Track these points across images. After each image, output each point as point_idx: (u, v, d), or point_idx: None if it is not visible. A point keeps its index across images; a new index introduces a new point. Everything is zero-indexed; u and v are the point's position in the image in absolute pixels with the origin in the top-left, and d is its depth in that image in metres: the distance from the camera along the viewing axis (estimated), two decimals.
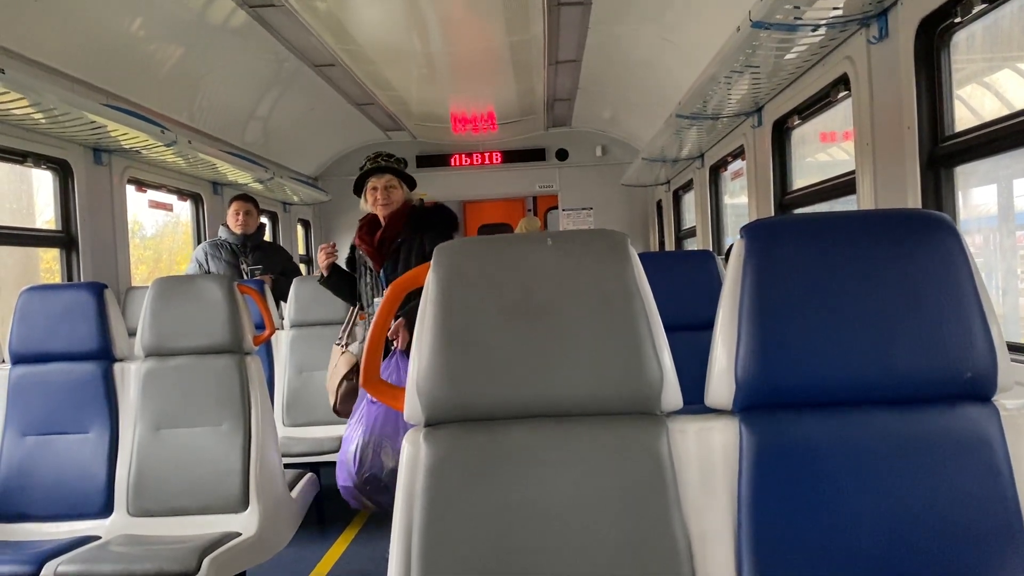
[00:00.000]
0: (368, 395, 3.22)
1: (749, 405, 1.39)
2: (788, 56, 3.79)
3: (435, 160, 9.29)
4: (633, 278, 1.41)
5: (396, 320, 3.30)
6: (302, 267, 8.03)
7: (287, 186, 7.55)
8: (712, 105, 4.88)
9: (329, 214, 9.35)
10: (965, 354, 1.33)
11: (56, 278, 4.81)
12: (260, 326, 4.25)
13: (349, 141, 9.01)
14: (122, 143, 4.73)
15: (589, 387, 1.39)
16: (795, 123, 4.60)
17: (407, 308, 3.21)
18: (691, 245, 7.59)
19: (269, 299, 4.81)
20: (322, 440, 4.44)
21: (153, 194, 5.83)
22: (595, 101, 7.91)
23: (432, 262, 1.46)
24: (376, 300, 3.57)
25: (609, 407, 1.40)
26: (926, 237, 1.37)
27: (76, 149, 4.65)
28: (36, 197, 5.24)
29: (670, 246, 8.39)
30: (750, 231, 1.42)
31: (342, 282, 3.77)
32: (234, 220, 5.39)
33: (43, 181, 4.83)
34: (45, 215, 4.98)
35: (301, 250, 9.15)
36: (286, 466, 3.39)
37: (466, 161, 9.33)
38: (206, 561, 2.59)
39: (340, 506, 3.83)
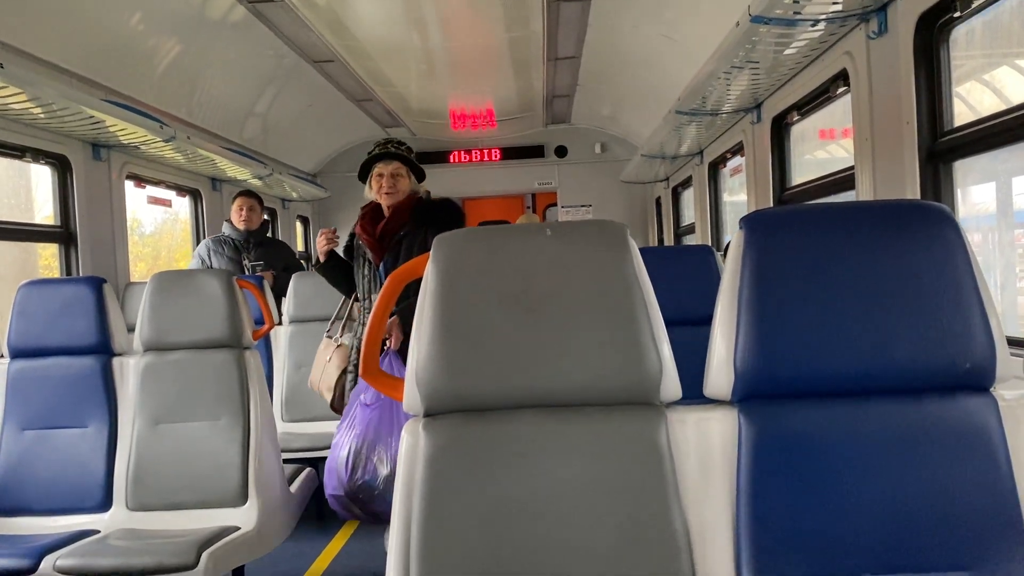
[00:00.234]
0: (361, 399, 3.08)
1: (748, 395, 1.39)
2: (787, 51, 3.78)
3: (434, 157, 9.28)
4: (632, 268, 1.41)
5: (390, 318, 3.21)
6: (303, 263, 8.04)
7: (286, 182, 7.54)
8: (711, 101, 4.88)
9: (328, 210, 9.34)
10: (964, 344, 1.34)
11: (55, 274, 4.81)
12: (259, 321, 4.25)
13: (348, 137, 9.00)
14: (121, 139, 4.73)
15: (588, 377, 1.39)
16: (794, 119, 4.60)
17: (401, 307, 3.04)
18: (690, 242, 7.59)
19: (268, 294, 4.81)
20: (321, 435, 4.43)
21: (152, 190, 5.83)
22: (594, 98, 7.91)
23: (431, 253, 1.46)
24: (374, 296, 3.41)
25: (608, 397, 1.40)
26: (925, 228, 1.37)
27: (75, 144, 4.65)
28: (35, 192, 5.24)
29: (669, 243, 8.39)
30: (749, 222, 1.42)
31: (339, 270, 3.60)
32: (237, 216, 5.42)
33: (42, 176, 4.82)
34: (44, 211, 4.98)
35: (300, 247, 9.15)
36: (285, 461, 3.39)
37: (465, 158, 9.33)
38: (205, 555, 2.59)
39: None
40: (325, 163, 9.31)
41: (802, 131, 4.77)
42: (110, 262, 5.01)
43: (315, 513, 4.46)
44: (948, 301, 1.34)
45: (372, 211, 3.51)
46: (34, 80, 3.68)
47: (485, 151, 9.31)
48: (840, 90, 3.83)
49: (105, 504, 3.01)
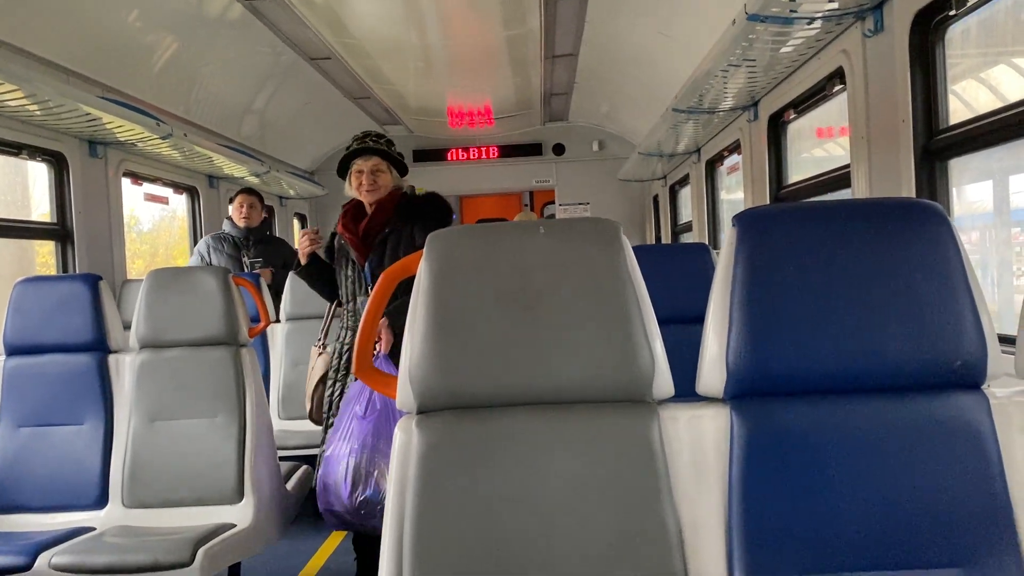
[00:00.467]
0: (356, 410, 2.92)
1: (740, 393, 1.39)
2: (784, 49, 3.79)
3: (432, 154, 9.28)
4: (625, 266, 1.41)
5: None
6: None
7: (283, 180, 7.54)
8: (708, 99, 4.88)
9: (325, 208, 9.34)
10: (955, 342, 1.34)
11: (52, 272, 4.81)
12: (256, 319, 4.24)
13: (346, 135, 8.91)
14: (118, 136, 4.72)
15: (581, 374, 1.39)
16: (791, 117, 4.60)
17: (391, 307, 2.88)
18: (687, 240, 7.59)
19: (265, 291, 4.81)
20: (317, 433, 4.40)
21: (149, 187, 5.82)
22: (592, 96, 7.90)
23: (425, 250, 1.46)
24: (360, 299, 3.26)
25: (601, 395, 1.40)
26: (917, 226, 1.38)
27: (71, 141, 4.64)
28: (32, 190, 5.23)
29: (666, 241, 8.40)
30: (743, 219, 1.43)
31: (322, 273, 3.41)
32: (238, 213, 5.45)
33: (39, 173, 4.82)
34: (41, 208, 4.97)
35: (297, 244, 9.14)
36: (281, 459, 3.39)
37: (463, 156, 9.33)
38: (200, 552, 2.59)
39: None
40: (323, 160, 9.31)
41: (799, 129, 4.77)
42: (107, 259, 5.01)
43: (311, 510, 4.45)
44: (940, 299, 1.35)
45: (354, 209, 3.36)
46: (31, 77, 3.68)
47: (483, 149, 9.31)
48: (836, 88, 3.84)
49: (101, 501, 3.01)
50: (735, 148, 5.72)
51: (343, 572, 3.86)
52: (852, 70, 3.52)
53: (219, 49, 5.52)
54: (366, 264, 3.23)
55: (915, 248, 1.36)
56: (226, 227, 5.50)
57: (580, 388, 1.40)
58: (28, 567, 2.59)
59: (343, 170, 3.33)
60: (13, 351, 3.10)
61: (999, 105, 2.70)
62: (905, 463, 1.34)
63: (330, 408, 3.24)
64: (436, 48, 6.15)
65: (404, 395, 1.44)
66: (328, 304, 3.53)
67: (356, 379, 3.00)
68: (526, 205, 12.40)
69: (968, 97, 3.12)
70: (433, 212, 3.30)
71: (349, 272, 3.29)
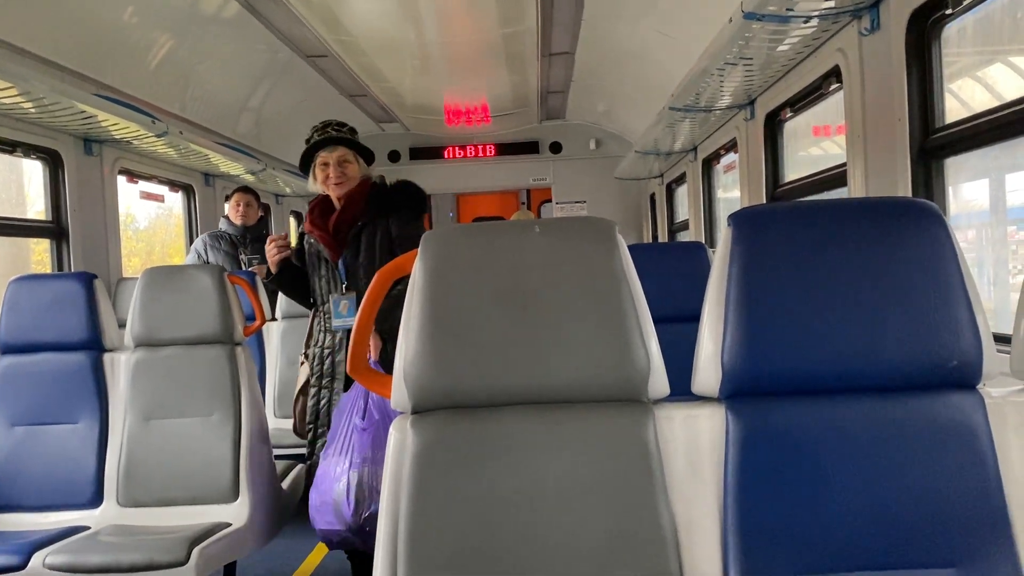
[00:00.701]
0: (356, 422, 2.74)
1: (735, 392, 1.39)
2: (780, 48, 3.79)
3: (429, 152, 9.28)
4: (620, 265, 1.41)
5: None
6: None
7: (279, 177, 7.53)
8: (705, 98, 4.88)
9: None
10: (951, 342, 1.34)
11: (47, 270, 4.79)
12: (251, 317, 4.23)
13: None
14: (113, 133, 4.71)
15: (576, 374, 1.39)
16: (787, 115, 4.60)
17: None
18: (684, 238, 7.59)
19: (260, 290, 4.80)
20: None
21: (144, 185, 5.82)
22: (589, 94, 7.90)
23: (420, 249, 1.46)
24: (333, 296, 3.07)
25: (596, 394, 1.40)
26: (913, 225, 1.37)
27: (66, 139, 4.63)
28: (28, 188, 5.22)
29: (663, 239, 8.39)
30: (738, 218, 1.42)
31: (296, 280, 3.20)
32: (235, 212, 5.47)
33: (34, 171, 4.81)
34: (37, 206, 4.96)
35: (293, 242, 9.11)
36: (277, 457, 3.38)
37: (460, 154, 9.32)
38: (195, 551, 2.58)
39: None
40: None
41: (795, 128, 4.77)
42: (102, 257, 5.00)
43: (306, 509, 4.45)
44: (936, 298, 1.35)
45: (321, 204, 3.17)
46: (25, 74, 3.67)
47: (480, 147, 9.30)
48: (833, 87, 3.84)
49: (96, 500, 3.01)
50: (731, 147, 5.72)
51: (338, 571, 3.85)
52: (848, 69, 3.52)
53: (215, 46, 5.51)
54: (340, 261, 3.08)
55: (911, 247, 1.36)
56: (223, 226, 5.52)
57: (575, 387, 1.39)
58: (22, 567, 2.58)
59: (305, 165, 3.15)
60: (8, 349, 3.09)
61: (995, 104, 2.70)
62: (900, 463, 1.33)
63: (317, 418, 3.08)
64: (433, 46, 6.15)
65: (399, 395, 1.43)
66: (311, 311, 3.33)
67: (346, 387, 2.91)
68: (523, 203, 12.39)
69: (964, 96, 3.12)
70: (408, 202, 3.13)
71: (323, 272, 3.13)
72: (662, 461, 1.38)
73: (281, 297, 4.97)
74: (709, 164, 6.64)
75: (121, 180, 5.35)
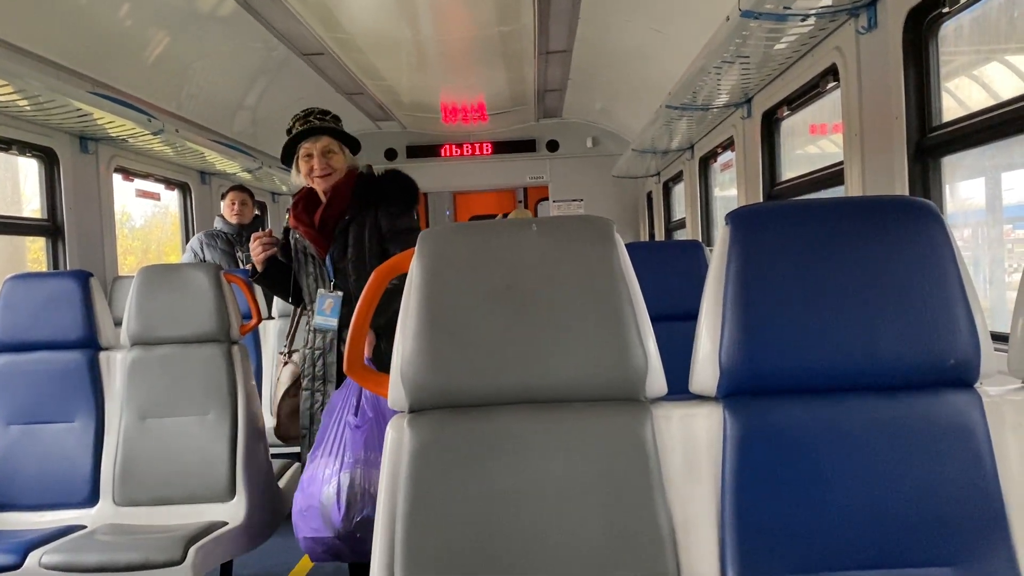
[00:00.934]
0: (350, 419, 2.61)
1: (733, 391, 1.39)
2: (777, 46, 3.78)
3: (425, 151, 9.26)
4: (618, 264, 1.41)
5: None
6: None
7: (276, 176, 7.52)
8: (702, 96, 4.88)
9: None
10: (949, 340, 1.34)
11: (44, 268, 4.78)
12: (247, 315, 4.22)
13: None
14: (109, 131, 4.70)
15: (573, 373, 1.38)
16: (784, 114, 4.60)
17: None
18: (681, 237, 7.59)
19: (256, 288, 4.79)
20: None
21: (140, 183, 5.80)
22: (586, 92, 7.89)
23: (417, 247, 1.45)
24: (321, 292, 2.93)
25: (593, 393, 1.40)
26: (911, 224, 1.37)
27: (62, 137, 4.62)
28: (23, 186, 5.20)
29: (660, 237, 8.39)
30: (735, 217, 1.42)
31: (281, 277, 3.07)
32: (229, 210, 5.46)
33: (30, 169, 4.79)
34: (32, 204, 4.95)
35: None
36: (273, 456, 3.38)
37: (456, 152, 9.31)
38: (192, 550, 2.58)
39: None
40: None
41: (792, 126, 4.77)
42: (98, 256, 4.98)
43: None
44: (933, 297, 1.35)
45: (305, 198, 3.01)
46: (20, 72, 3.66)
47: (476, 145, 9.29)
48: (830, 85, 3.84)
49: (92, 499, 3.00)
50: (728, 145, 5.72)
51: (334, 571, 3.85)
52: (846, 67, 3.52)
53: (211, 44, 5.49)
54: (327, 256, 2.94)
55: (908, 246, 1.36)
56: (218, 224, 5.50)
57: (572, 386, 1.39)
58: (18, 566, 2.58)
59: (288, 156, 2.99)
60: (3, 348, 3.08)
61: (992, 102, 2.70)
62: (898, 462, 1.33)
63: (311, 422, 2.98)
64: (429, 44, 6.14)
65: (396, 394, 1.43)
66: (294, 308, 3.22)
67: (337, 387, 2.83)
68: (520, 202, 12.38)
69: (961, 95, 3.12)
70: (398, 193, 2.97)
71: (311, 269, 2.99)
72: (659, 460, 1.38)
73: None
74: (706, 162, 6.63)
75: (117, 178, 5.34)
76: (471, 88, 7.70)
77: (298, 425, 3.04)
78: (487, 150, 9.31)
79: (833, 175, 3.85)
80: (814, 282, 1.37)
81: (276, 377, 3.12)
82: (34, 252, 5.22)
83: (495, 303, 1.40)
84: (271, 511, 3.16)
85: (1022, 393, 1.39)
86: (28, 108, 4.02)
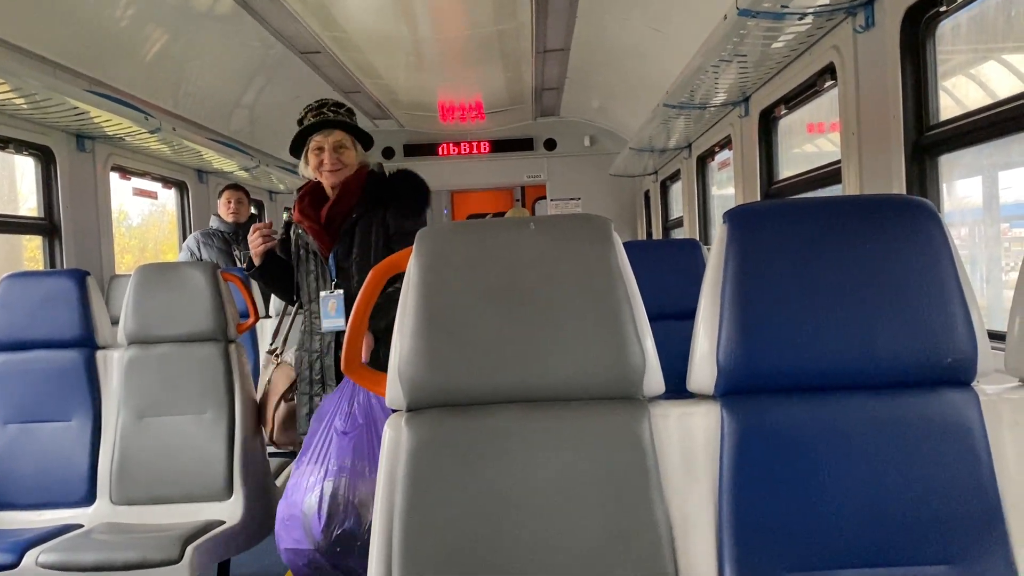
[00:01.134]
0: (335, 425, 2.52)
1: (731, 390, 1.39)
2: (775, 45, 3.78)
3: (423, 149, 9.27)
4: (616, 263, 1.41)
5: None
6: None
7: (273, 174, 7.51)
8: (699, 95, 4.88)
9: None
10: (946, 339, 1.34)
11: (40, 267, 4.77)
12: (245, 314, 4.22)
13: None
14: (105, 130, 4.69)
15: (571, 372, 1.38)
16: (782, 113, 4.61)
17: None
18: (679, 235, 7.59)
19: (253, 287, 4.79)
20: None
21: (137, 182, 5.80)
22: (583, 91, 7.89)
23: (414, 247, 1.45)
24: (324, 293, 2.83)
25: (591, 392, 1.39)
26: (908, 222, 1.38)
27: (59, 135, 4.61)
28: (20, 184, 5.19)
29: (657, 236, 8.40)
30: (733, 216, 1.42)
31: (279, 272, 2.96)
32: (225, 209, 5.45)
33: (27, 168, 4.78)
34: (29, 202, 4.94)
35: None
36: (270, 455, 3.37)
37: (454, 150, 9.31)
38: (189, 549, 2.57)
39: None
40: None
41: (789, 125, 4.78)
42: (95, 254, 4.98)
43: None
44: (930, 296, 1.35)
45: (311, 192, 2.89)
46: (17, 70, 3.65)
47: (474, 144, 9.29)
48: (827, 84, 3.84)
49: (89, 498, 2.99)
50: (726, 144, 5.72)
51: None
52: (843, 66, 3.52)
53: (208, 42, 5.49)
54: (331, 255, 2.83)
55: (906, 245, 1.36)
56: (214, 223, 5.50)
57: (570, 385, 1.39)
58: (15, 565, 2.57)
59: (297, 147, 2.87)
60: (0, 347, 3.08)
61: (989, 101, 2.70)
62: (895, 460, 1.34)
63: (286, 431, 2.93)
64: (427, 42, 6.13)
65: (394, 392, 1.43)
66: (284, 306, 3.12)
67: (329, 392, 2.77)
68: (517, 200, 12.38)
69: (959, 93, 3.12)
70: (409, 193, 2.88)
71: (312, 266, 2.88)
72: (657, 459, 1.38)
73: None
74: (704, 161, 6.64)
75: (114, 177, 5.33)
76: (469, 87, 7.70)
77: (294, 431, 2.96)
78: (485, 149, 9.31)
79: (830, 174, 3.85)
80: (811, 281, 1.37)
81: (266, 379, 3.03)
82: (31, 251, 5.21)
83: (493, 302, 1.40)
84: (268, 510, 3.15)
85: (1019, 391, 1.39)
86: (25, 106, 4.01)
